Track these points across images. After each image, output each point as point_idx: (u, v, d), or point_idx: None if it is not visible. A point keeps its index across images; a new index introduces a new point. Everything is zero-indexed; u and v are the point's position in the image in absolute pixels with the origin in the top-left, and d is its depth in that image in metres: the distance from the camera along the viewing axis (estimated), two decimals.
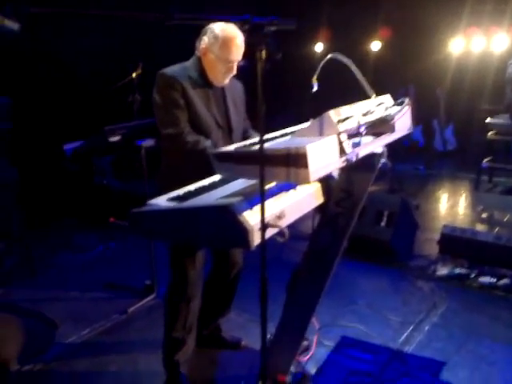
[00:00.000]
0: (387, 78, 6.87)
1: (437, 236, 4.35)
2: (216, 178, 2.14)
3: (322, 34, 8.41)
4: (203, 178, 2.17)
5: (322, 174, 1.77)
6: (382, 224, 4.29)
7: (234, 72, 2.49)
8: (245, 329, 3.21)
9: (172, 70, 2.43)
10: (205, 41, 2.43)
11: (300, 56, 7.90)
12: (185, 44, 2.76)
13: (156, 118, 2.47)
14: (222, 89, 2.57)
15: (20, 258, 4.05)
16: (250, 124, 2.81)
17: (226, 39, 2.38)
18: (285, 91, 7.79)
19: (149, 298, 3.62)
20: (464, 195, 6.29)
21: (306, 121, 2.52)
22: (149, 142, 3.34)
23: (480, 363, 2.89)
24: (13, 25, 1.19)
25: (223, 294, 2.95)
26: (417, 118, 2.43)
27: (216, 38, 2.39)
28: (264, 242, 1.69)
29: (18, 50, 4.60)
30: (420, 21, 7.40)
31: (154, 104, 2.44)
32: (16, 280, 3.92)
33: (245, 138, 2.71)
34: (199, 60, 2.48)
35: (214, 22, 2.31)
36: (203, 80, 2.48)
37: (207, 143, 2.37)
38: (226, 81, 2.52)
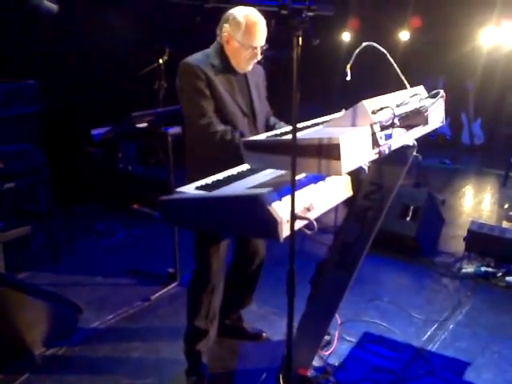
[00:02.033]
0: (415, 68, 6.74)
1: (463, 232, 4.26)
2: (244, 167, 2.11)
3: (349, 23, 8.27)
4: (230, 169, 2.14)
5: (354, 166, 1.73)
6: (408, 219, 4.22)
7: (259, 57, 2.43)
8: (266, 321, 3.19)
9: (194, 58, 2.39)
10: (227, 28, 2.36)
11: (326, 44, 7.78)
12: (213, 30, 2.72)
13: (182, 109, 2.43)
14: (245, 75, 2.51)
15: (45, 241, 4.10)
16: (271, 111, 2.76)
17: (249, 25, 2.32)
18: (310, 79, 7.70)
19: (171, 286, 3.62)
20: (491, 191, 6.14)
21: (334, 110, 2.48)
22: (175, 130, 3.33)
23: (505, 365, 2.84)
24: (51, 5, 1.16)
25: (245, 284, 2.93)
26: (445, 111, 2.38)
27: (238, 24, 2.33)
28: (293, 234, 1.66)
29: (49, 33, 4.61)
30: (450, 11, 7.21)
31: (178, 94, 2.41)
32: (40, 264, 3.97)
33: (267, 125, 2.67)
34: (221, 47, 2.42)
35: (249, 6, 2.28)
36: (226, 67, 2.42)
37: (235, 133, 2.33)
38: (250, 67, 2.47)
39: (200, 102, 2.33)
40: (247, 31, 2.32)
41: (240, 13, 2.34)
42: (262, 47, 2.39)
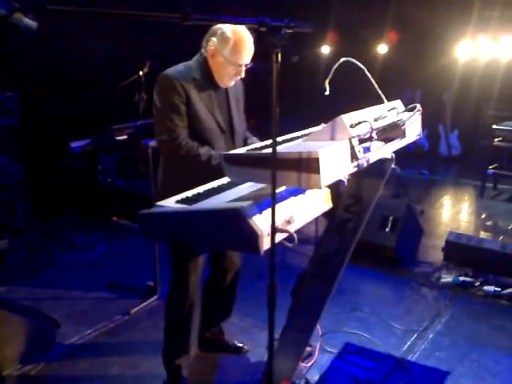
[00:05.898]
0: (393, 81, 6.84)
1: (441, 242, 4.30)
2: (224, 180, 2.12)
3: (328, 37, 8.39)
4: (199, 184, 2.11)
5: (333, 179, 1.75)
6: (387, 230, 4.26)
7: (243, 75, 2.40)
8: (247, 333, 3.18)
9: (175, 70, 2.33)
10: (214, 42, 2.32)
11: (306, 57, 7.87)
12: (193, 43, 2.72)
13: (154, 121, 2.40)
14: (226, 89, 2.48)
15: (23, 255, 4.03)
16: (246, 126, 2.72)
17: (237, 42, 2.28)
18: (290, 93, 7.77)
19: (151, 299, 3.59)
20: (468, 202, 6.25)
21: (313, 123, 2.50)
22: (155, 142, 3.30)
23: (484, 374, 2.87)
24: (31, 23, 1.16)
25: (224, 296, 2.91)
26: (422, 123, 2.43)
27: (226, 40, 2.28)
28: (274, 248, 1.67)
29: (28, 47, 4.58)
30: (427, 25, 7.37)
31: (153, 106, 2.37)
32: (18, 278, 3.89)
33: (244, 140, 2.64)
34: (205, 60, 2.38)
35: (229, 23, 2.22)
36: (208, 81, 2.38)
37: (202, 150, 2.31)
38: (232, 83, 2.44)
39: (171, 116, 2.28)
40: (234, 48, 2.28)
41: (229, 28, 2.29)
42: (246, 65, 2.36)
